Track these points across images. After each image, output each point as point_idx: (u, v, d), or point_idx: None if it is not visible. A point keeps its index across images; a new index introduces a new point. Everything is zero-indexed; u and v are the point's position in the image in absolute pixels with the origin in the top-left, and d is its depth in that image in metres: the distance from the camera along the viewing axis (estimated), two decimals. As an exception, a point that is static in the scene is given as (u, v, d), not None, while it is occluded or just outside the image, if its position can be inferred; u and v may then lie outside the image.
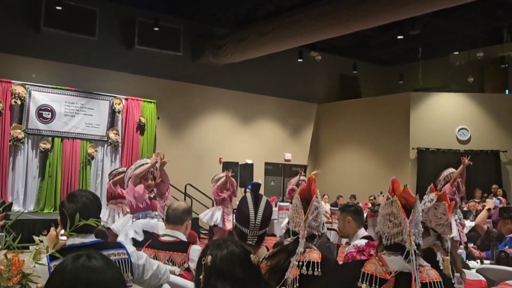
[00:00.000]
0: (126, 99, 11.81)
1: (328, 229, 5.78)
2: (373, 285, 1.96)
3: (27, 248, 1.94)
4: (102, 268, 1.37)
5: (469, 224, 8.53)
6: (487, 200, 7.78)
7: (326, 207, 11.23)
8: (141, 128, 11.97)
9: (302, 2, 10.88)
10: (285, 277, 2.19)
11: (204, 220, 8.54)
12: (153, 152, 11.93)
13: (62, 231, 2.13)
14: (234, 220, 3.58)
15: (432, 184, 3.09)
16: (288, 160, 14.94)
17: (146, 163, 5.05)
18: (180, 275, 2.97)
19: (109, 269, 1.38)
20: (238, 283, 1.65)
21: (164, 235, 3.26)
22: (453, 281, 2.53)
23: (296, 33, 10.70)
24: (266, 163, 14.45)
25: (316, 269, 2.20)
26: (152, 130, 12.24)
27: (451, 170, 7.49)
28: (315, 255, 2.25)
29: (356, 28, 10.29)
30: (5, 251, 1.81)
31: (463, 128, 12.96)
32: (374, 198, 12.05)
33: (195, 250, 3.03)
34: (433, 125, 13.02)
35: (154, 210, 5.02)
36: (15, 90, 10.31)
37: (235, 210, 4.17)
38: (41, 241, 2.00)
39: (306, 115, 15.27)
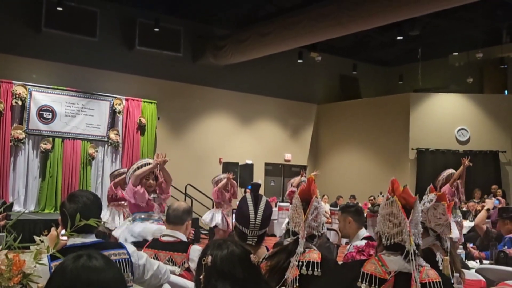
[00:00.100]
0: (126, 99, 11.82)
1: (327, 229, 5.79)
2: (373, 285, 1.97)
3: (28, 248, 1.95)
4: (102, 268, 1.37)
5: (468, 224, 8.54)
6: (486, 200, 7.80)
7: (326, 207, 11.24)
8: (141, 128, 11.98)
9: (303, 3, 10.89)
10: (285, 277, 2.19)
11: (205, 222, 8.55)
12: (154, 152, 11.96)
13: (63, 231, 2.14)
14: (233, 220, 3.58)
15: (431, 185, 3.10)
16: (288, 161, 14.95)
17: (148, 163, 4.97)
18: (180, 275, 2.98)
19: (109, 269, 1.39)
20: (238, 283, 1.66)
21: (164, 235, 3.27)
22: (452, 281, 2.54)
23: (296, 34, 10.70)
24: (266, 164, 14.46)
25: (316, 269, 2.20)
26: (153, 130, 12.25)
27: (451, 171, 7.49)
28: (315, 255, 2.25)
29: (356, 28, 10.30)
30: (6, 251, 1.81)
31: (462, 129, 12.96)
32: (374, 198, 12.06)
33: (195, 250, 3.04)
34: (432, 126, 13.03)
35: (151, 211, 4.92)
36: (16, 90, 10.32)
37: (234, 210, 4.16)
38: (42, 241, 2.01)
39: (306, 115, 15.28)
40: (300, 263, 2.22)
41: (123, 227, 5.17)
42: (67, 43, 10.88)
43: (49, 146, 10.75)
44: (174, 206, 3.35)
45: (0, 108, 10.19)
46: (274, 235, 11.18)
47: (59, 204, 6.45)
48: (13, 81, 10.37)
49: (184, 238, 3.24)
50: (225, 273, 1.66)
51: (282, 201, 12.68)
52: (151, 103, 12.19)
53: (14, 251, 1.84)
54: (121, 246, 2.38)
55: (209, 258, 1.68)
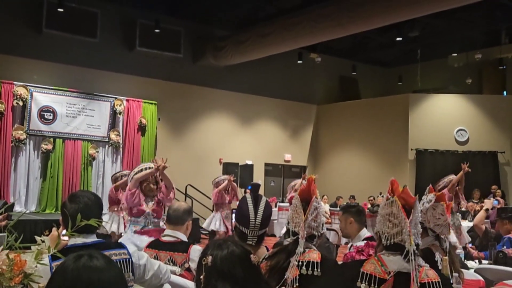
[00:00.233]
0: (127, 100, 11.83)
1: (327, 229, 5.80)
2: (372, 285, 1.98)
3: (29, 248, 1.95)
4: (103, 268, 1.38)
5: (467, 224, 8.54)
6: (485, 200, 7.78)
7: (326, 207, 11.25)
8: (142, 129, 11.99)
9: (303, 4, 10.90)
10: (285, 277, 2.20)
11: (205, 227, 8.55)
12: (154, 153, 11.99)
13: (64, 231, 2.15)
14: (233, 221, 3.59)
15: (430, 185, 3.10)
16: (288, 161, 14.96)
17: (149, 167, 4.86)
18: (180, 275, 2.98)
19: (110, 269, 1.39)
20: (238, 283, 1.66)
21: (165, 235, 3.28)
22: (451, 281, 2.55)
23: (296, 35, 10.71)
24: (266, 164, 14.47)
25: (315, 269, 2.21)
26: (153, 131, 12.26)
27: (451, 177, 7.46)
28: (314, 255, 2.26)
29: (356, 29, 10.31)
30: (7, 251, 1.81)
31: (461, 129, 12.97)
32: (374, 198, 12.07)
33: (196, 250, 3.05)
34: (431, 126, 13.04)
35: (141, 215, 4.76)
36: (17, 91, 10.33)
37: (234, 211, 4.16)
38: (43, 241, 2.01)
39: (305, 116, 15.29)
40: (300, 263, 2.22)
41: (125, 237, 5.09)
42: (67, 44, 10.89)
43: (50, 146, 10.77)
44: (174, 207, 3.36)
45: (1, 108, 10.21)
46: (274, 235, 11.18)
47: (60, 204, 6.46)
48: (14, 82, 10.38)
49: (184, 238, 3.25)
50: (225, 273, 1.67)
51: (282, 202, 12.69)
52: (152, 103, 12.20)
53: (15, 251, 1.85)
54: (122, 246, 2.38)
55: (209, 258, 1.69)
